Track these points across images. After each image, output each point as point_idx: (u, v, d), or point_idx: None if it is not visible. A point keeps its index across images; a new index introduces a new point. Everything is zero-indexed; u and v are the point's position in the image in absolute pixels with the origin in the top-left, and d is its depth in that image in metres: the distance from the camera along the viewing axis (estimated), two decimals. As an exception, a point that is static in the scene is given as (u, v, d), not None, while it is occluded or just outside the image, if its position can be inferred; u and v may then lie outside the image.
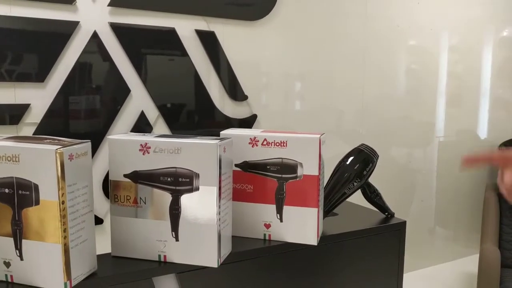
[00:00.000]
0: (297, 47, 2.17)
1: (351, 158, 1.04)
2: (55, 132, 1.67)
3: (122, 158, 0.82)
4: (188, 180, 0.80)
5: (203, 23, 1.92)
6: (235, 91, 2.02)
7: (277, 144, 0.91)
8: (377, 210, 1.11)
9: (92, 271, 0.78)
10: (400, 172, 2.59)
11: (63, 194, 0.69)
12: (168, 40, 1.87)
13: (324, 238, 0.95)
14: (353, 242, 1.01)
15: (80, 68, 1.70)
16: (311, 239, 0.92)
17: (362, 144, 1.05)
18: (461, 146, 2.82)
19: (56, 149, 0.68)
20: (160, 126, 1.88)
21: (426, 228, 2.77)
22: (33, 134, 1.65)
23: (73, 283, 0.73)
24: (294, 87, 2.23)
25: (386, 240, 1.05)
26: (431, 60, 2.71)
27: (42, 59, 1.65)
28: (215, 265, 0.81)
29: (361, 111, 2.42)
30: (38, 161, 0.69)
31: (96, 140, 1.71)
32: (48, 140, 0.73)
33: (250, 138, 0.92)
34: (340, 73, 2.31)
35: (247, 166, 0.93)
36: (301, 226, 0.92)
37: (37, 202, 0.70)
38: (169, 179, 0.80)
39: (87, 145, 0.74)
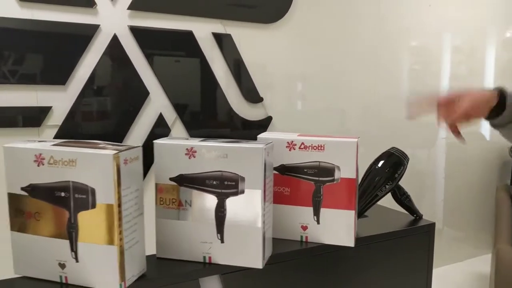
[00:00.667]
0: (311, 49, 2.20)
1: (382, 162, 1.07)
2: (76, 134, 1.69)
3: (168, 162, 0.84)
4: (233, 183, 0.82)
5: (219, 26, 1.94)
6: (251, 93, 2.05)
7: (315, 147, 0.93)
8: (403, 211, 1.14)
9: (142, 273, 0.80)
10: (406, 173, 2.62)
11: (119, 197, 0.72)
12: (185, 43, 1.89)
13: (358, 240, 0.97)
14: (385, 244, 1.04)
15: (100, 71, 1.72)
16: (348, 241, 0.95)
17: (393, 148, 1.08)
18: (468, 147, 2.85)
19: (114, 154, 0.70)
20: (177, 128, 1.91)
21: (436, 229, 2.79)
22: (54, 137, 1.67)
23: (127, 284, 0.75)
24: (308, 89, 2.26)
25: (416, 241, 1.08)
26: (436, 60, 2.74)
27: (63, 62, 1.67)
28: (260, 266, 0.84)
29: (373, 112, 2.45)
30: (95, 165, 0.71)
31: (117, 141, 1.73)
32: (102, 145, 0.75)
33: (288, 142, 0.95)
34: (352, 74, 2.34)
35: (284, 169, 0.96)
36: (338, 228, 0.94)
37: (94, 206, 0.72)
38: (214, 182, 0.83)
39: (138, 149, 0.77)
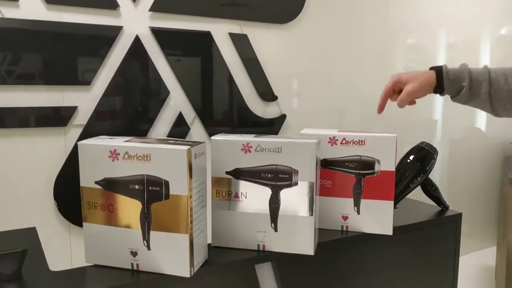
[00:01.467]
0: (322, 48, 2.28)
1: (412, 156, 1.15)
2: (101, 133, 1.75)
3: (224, 157, 0.92)
4: (287, 176, 0.90)
5: (236, 27, 2.01)
6: (265, 92, 2.12)
7: (356, 142, 1.01)
8: (428, 203, 1.23)
9: (204, 260, 0.87)
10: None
11: (190, 189, 0.79)
12: (204, 43, 1.96)
13: (395, 229, 1.05)
14: (418, 232, 1.12)
15: (123, 71, 1.78)
16: (387, 230, 1.03)
17: (423, 142, 1.16)
18: (468, 143, 2.96)
19: (187, 149, 0.77)
20: (196, 126, 1.98)
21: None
22: (80, 135, 1.73)
23: (194, 271, 0.82)
24: (319, 87, 2.33)
25: (444, 229, 1.17)
26: (431, 58, 2.82)
27: (88, 63, 1.73)
28: (312, 253, 0.92)
29: (369, 110, 2.53)
30: (169, 160, 0.78)
31: (139, 140, 1.80)
32: (172, 141, 0.82)
33: (330, 138, 1.03)
34: (359, 73, 2.43)
35: (326, 163, 1.04)
36: (377, 217, 1.03)
37: (167, 197, 0.79)
38: (269, 175, 0.90)
39: (204, 145, 0.84)
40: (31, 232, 1.05)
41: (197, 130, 1.97)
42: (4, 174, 1.61)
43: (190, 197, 0.79)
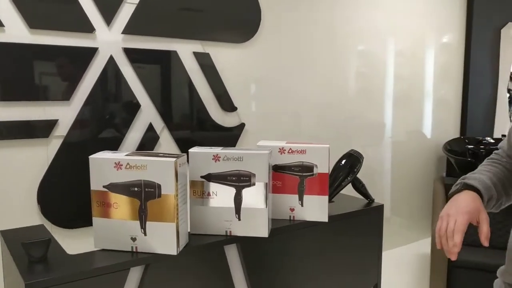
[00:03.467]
0: (277, 63, 2.64)
1: (344, 160, 1.51)
2: (79, 143, 2.03)
3: (199, 164, 1.24)
4: (247, 178, 1.23)
5: (199, 46, 2.34)
6: (226, 103, 2.46)
7: (299, 152, 1.36)
8: (358, 197, 1.60)
9: (186, 243, 1.19)
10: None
11: (176, 190, 1.11)
12: (171, 61, 2.27)
13: (330, 217, 1.41)
14: (348, 220, 1.48)
15: (99, 87, 2.07)
16: (324, 217, 1.38)
17: (352, 149, 1.53)
18: (410, 144, 3.41)
19: (174, 160, 1.09)
20: (164, 135, 2.28)
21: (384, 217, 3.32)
22: (60, 146, 2.00)
23: (180, 250, 1.14)
24: (273, 97, 2.69)
25: (370, 218, 1.54)
26: (381, 63, 3.23)
27: (68, 80, 2.01)
28: (266, 236, 1.26)
29: (326, 114, 2.91)
30: (160, 168, 1.10)
31: (113, 148, 2.09)
32: (162, 154, 1.14)
33: (279, 148, 1.37)
34: (310, 81, 2.80)
35: (277, 168, 1.38)
36: (316, 208, 1.38)
37: (159, 196, 1.11)
38: (233, 178, 1.24)
39: (185, 157, 1.16)
40: (42, 228, 1.33)
41: (165, 138, 2.28)
42: (-4, 181, 1.87)
43: (176, 195, 1.11)
